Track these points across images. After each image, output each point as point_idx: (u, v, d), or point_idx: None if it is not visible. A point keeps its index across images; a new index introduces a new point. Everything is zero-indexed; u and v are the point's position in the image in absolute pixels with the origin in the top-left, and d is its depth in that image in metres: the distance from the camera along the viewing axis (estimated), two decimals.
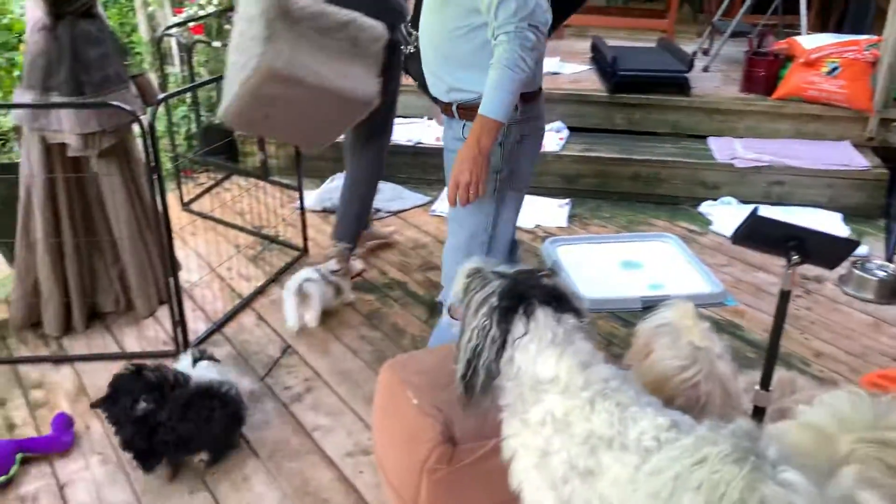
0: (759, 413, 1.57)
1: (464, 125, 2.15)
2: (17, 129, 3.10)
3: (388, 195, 4.43)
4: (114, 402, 2.21)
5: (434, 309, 3.27)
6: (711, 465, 1.08)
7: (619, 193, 4.34)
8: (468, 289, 1.38)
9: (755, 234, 1.54)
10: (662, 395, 1.33)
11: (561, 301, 1.34)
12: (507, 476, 1.93)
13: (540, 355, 1.27)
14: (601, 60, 4.94)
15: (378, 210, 4.24)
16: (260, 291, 3.37)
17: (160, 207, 2.64)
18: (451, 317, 2.36)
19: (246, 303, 3.27)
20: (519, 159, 2.22)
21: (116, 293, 3.09)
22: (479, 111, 1.99)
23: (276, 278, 3.49)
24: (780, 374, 1.63)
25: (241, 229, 3.98)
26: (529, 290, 1.32)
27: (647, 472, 1.13)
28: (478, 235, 2.28)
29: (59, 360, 2.85)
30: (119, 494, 2.22)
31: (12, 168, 2.98)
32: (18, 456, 2.30)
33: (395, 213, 4.27)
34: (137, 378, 2.24)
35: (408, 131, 4.73)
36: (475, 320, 1.31)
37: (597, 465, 1.19)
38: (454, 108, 2.19)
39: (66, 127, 2.67)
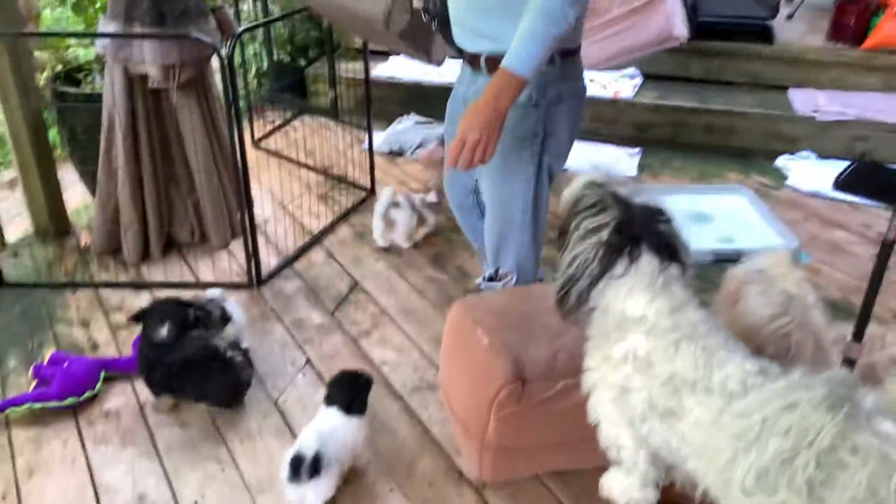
0: (848, 365, 1.53)
1: None
2: (98, 60, 3.17)
3: None
4: (142, 321, 2.29)
5: None
6: (803, 411, 1.06)
7: (692, 144, 4.23)
8: (582, 204, 1.31)
9: (862, 180, 1.47)
10: (751, 343, 1.30)
11: (671, 251, 1.30)
12: (573, 417, 1.95)
13: (631, 297, 1.25)
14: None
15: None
16: (329, 229, 3.42)
17: (236, 140, 2.67)
18: (492, 279, 2.31)
19: (315, 240, 3.33)
20: (558, 122, 2.02)
21: (192, 225, 3.17)
22: (503, 63, 1.71)
23: (345, 217, 3.53)
24: (869, 327, 1.58)
25: (310, 168, 4.02)
26: (642, 233, 1.27)
27: (733, 414, 1.12)
28: (517, 205, 2.11)
29: (138, 285, 2.96)
30: (195, 417, 2.31)
31: (95, 98, 3.06)
32: (102, 373, 2.41)
33: None
34: (175, 309, 2.29)
35: None
36: (580, 246, 1.26)
37: (678, 406, 1.18)
38: (482, 60, 1.95)
39: (148, 58, 2.72)
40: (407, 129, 4.42)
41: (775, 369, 1.20)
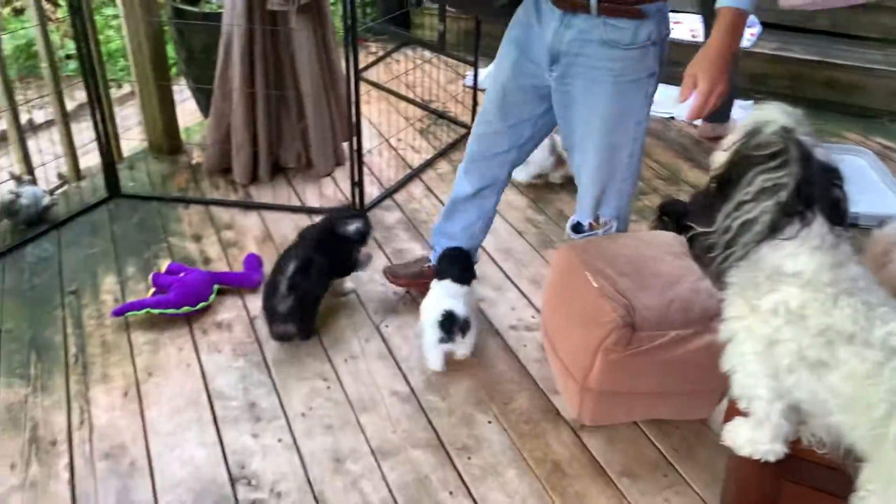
0: None
1: (604, 23, 1.80)
2: None
3: None
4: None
5: None
6: None
7: (811, 100, 4.00)
8: (760, 148, 1.22)
9: None
10: None
11: (842, 216, 1.24)
12: (680, 368, 1.93)
13: (793, 254, 1.19)
14: None
15: None
16: (429, 164, 3.42)
17: (352, 66, 2.67)
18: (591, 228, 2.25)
19: (415, 173, 3.34)
20: (665, 60, 1.92)
21: (298, 150, 3.23)
22: (727, 3, 1.62)
23: (444, 153, 3.52)
24: None
25: (411, 101, 4.01)
26: (819, 198, 1.20)
27: (894, 368, 1.08)
28: (626, 149, 1.99)
29: (248, 206, 3.05)
30: None
31: (211, 17, 3.11)
32: (215, 286, 2.51)
33: None
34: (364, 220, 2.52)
35: None
36: (753, 207, 1.19)
37: (831, 358, 1.14)
38: (593, 1, 1.78)
39: None
40: None
41: None
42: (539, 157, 3.11)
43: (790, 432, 1.30)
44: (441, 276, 2.26)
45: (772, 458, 1.30)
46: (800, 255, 1.19)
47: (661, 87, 1.98)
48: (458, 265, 2.27)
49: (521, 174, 3.20)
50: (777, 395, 1.26)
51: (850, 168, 3.38)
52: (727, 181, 1.25)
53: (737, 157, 1.25)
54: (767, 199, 1.19)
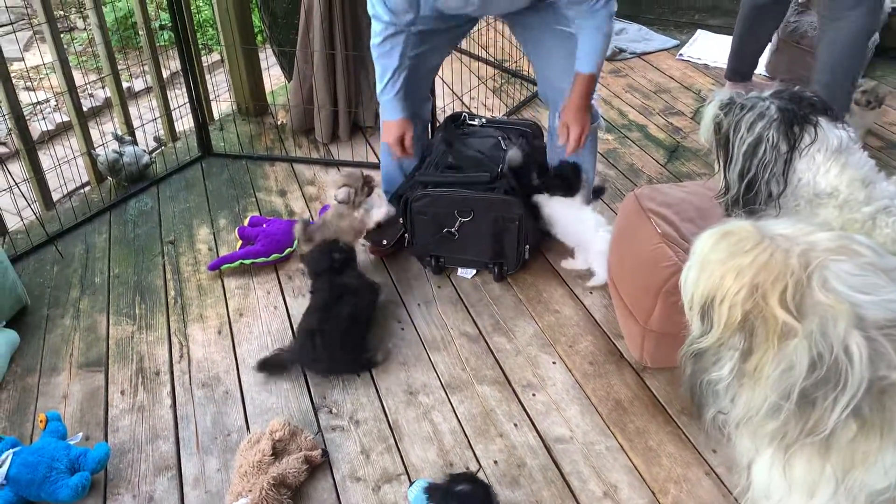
0: None
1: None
2: None
3: (633, 36, 4.28)
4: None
5: (674, 153, 3.23)
6: None
7: None
8: (728, 114, 1.33)
9: None
10: None
11: (834, 117, 1.29)
12: None
13: (824, 165, 1.24)
14: None
15: (622, 50, 4.14)
16: None
17: None
18: None
19: None
20: None
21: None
22: (590, 71, 2.20)
23: (517, 110, 3.58)
24: None
25: (484, 61, 4.07)
26: (807, 103, 1.27)
27: None
28: None
29: (328, 163, 3.22)
30: (378, 279, 2.53)
31: None
32: None
33: (640, 55, 4.13)
34: None
35: None
36: (751, 136, 1.27)
37: None
38: None
39: None
40: None
41: None
42: None
43: None
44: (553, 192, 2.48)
45: None
46: (829, 164, 1.23)
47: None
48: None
49: None
50: None
51: None
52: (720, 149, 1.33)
53: (722, 135, 1.33)
54: (761, 122, 1.26)
